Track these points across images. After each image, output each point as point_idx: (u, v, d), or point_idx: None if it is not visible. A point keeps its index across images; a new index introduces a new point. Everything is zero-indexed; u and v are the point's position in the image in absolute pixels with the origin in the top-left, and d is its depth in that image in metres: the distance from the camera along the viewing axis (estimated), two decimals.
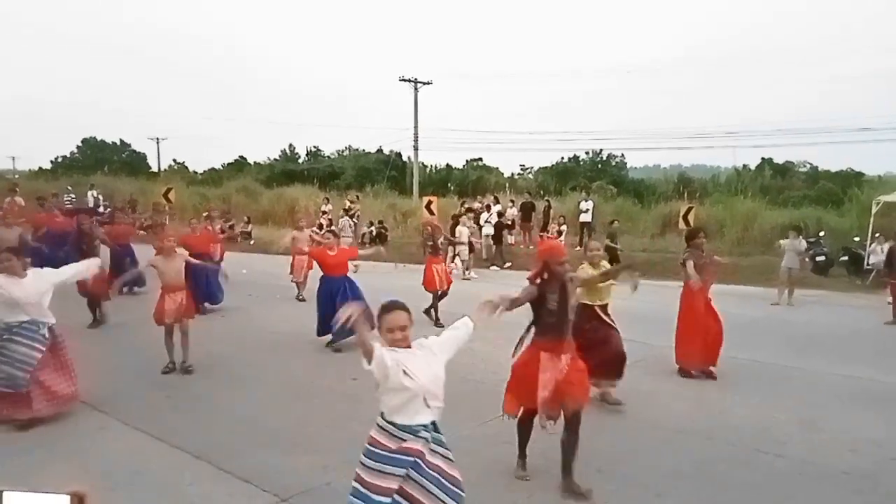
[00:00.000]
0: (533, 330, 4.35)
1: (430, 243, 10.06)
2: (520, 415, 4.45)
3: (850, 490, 4.45)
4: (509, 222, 20.49)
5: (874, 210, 17.93)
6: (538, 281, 4.30)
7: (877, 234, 17.07)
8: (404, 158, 39.74)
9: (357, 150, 47.89)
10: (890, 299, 11.86)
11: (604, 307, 6.09)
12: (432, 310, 9.61)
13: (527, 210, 21.26)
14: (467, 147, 70.46)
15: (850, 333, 10.13)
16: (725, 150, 78.89)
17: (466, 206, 20.78)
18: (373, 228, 22.26)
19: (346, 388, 6.43)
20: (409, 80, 30.62)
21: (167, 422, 5.46)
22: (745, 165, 41.85)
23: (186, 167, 52.25)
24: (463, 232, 15.90)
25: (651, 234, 23.01)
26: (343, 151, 50.16)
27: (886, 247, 16.68)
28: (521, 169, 44.91)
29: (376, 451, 3.01)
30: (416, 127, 30.97)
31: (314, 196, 29.30)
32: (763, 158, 39.33)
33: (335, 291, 7.96)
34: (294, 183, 34.21)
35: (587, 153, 40.71)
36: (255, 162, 50.63)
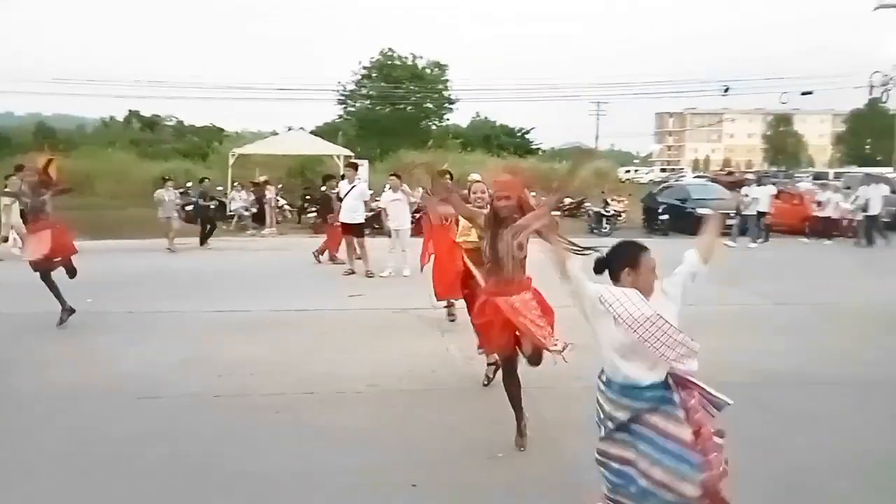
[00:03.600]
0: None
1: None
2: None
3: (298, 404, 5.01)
4: None
5: (231, 162, 20.37)
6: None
7: (235, 184, 19.45)
8: None
9: None
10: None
11: None
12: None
13: None
14: None
15: (249, 274, 11.07)
16: (91, 99, 74.65)
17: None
18: None
19: None
20: None
21: None
22: (112, 117, 40.79)
23: None
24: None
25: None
26: None
27: (244, 194, 19.22)
28: None
29: None
30: None
31: None
32: (130, 111, 38.97)
33: None
34: None
35: None
36: None
